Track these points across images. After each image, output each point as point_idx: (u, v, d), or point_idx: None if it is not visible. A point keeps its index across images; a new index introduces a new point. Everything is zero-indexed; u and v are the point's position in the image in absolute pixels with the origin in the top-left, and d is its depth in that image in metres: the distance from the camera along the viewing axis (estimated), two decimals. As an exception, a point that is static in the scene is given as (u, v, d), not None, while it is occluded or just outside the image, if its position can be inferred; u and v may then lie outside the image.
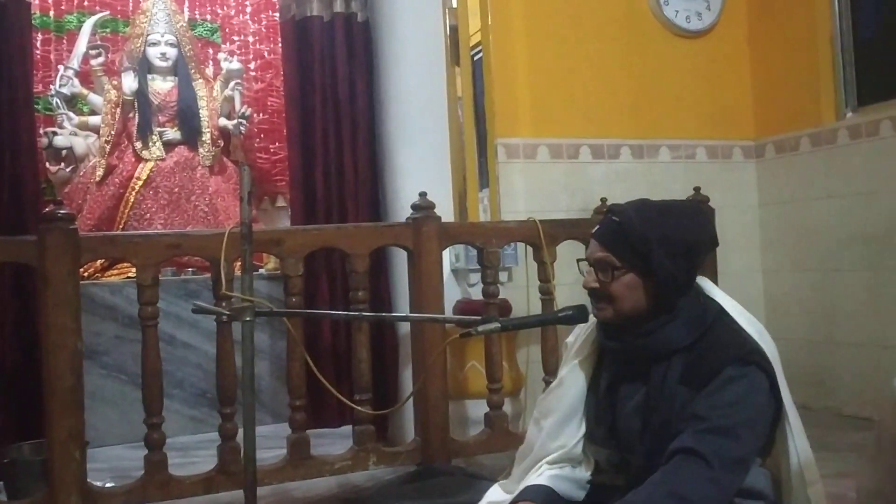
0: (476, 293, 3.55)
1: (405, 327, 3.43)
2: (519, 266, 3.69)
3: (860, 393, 3.66)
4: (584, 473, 1.76)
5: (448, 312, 3.57)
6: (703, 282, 1.71)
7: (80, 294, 2.41)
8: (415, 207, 2.87)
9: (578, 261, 1.72)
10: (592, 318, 1.79)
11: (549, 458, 1.77)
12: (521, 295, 3.69)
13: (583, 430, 1.76)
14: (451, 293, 3.68)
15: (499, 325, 1.69)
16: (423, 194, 2.89)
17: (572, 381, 1.78)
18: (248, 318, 1.99)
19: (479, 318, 1.78)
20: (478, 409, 3.22)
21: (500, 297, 3.64)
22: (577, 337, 1.84)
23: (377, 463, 2.75)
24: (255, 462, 2.02)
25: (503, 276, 3.79)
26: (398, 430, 3.47)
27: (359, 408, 2.66)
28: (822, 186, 3.92)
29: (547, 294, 3.01)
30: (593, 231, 1.67)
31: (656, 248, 1.57)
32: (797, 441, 1.60)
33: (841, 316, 3.81)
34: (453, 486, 2.47)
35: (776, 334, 1.69)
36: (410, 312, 2.93)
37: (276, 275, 4.14)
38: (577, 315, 1.74)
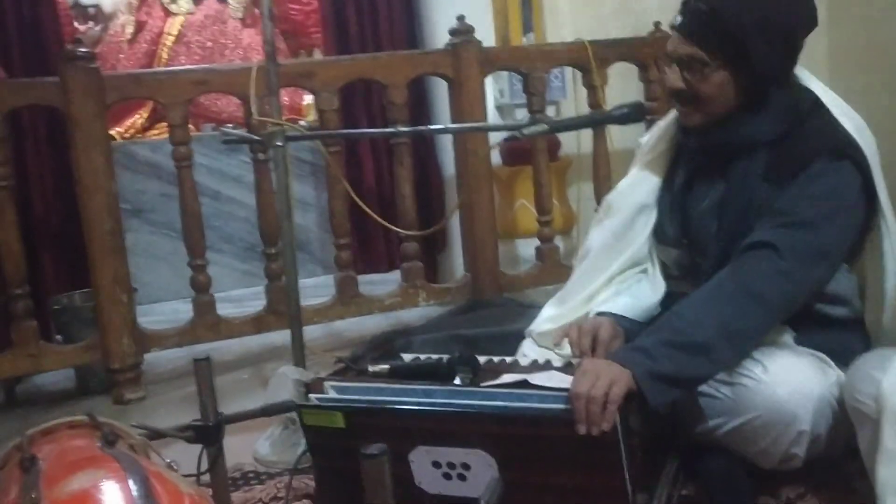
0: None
1: (450, 168, 3.30)
2: (567, 99, 3.49)
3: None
4: (654, 288, 1.63)
5: (493, 152, 3.43)
6: (799, 71, 1.51)
7: (108, 135, 2.33)
8: (453, 32, 2.67)
9: (656, 61, 1.52)
10: (671, 113, 1.62)
11: (616, 266, 1.65)
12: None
13: (651, 227, 1.63)
14: (499, 132, 3.52)
15: (546, 126, 1.55)
16: (461, 18, 2.68)
17: (644, 177, 1.64)
18: (278, 143, 1.89)
19: (524, 122, 1.63)
20: (528, 248, 3.12)
21: (548, 133, 3.51)
22: (651, 134, 1.68)
23: (427, 299, 2.70)
24: (297, 291, 1.97)
25: (551, 111, 3.60)
26: (448, 272, 3.41)
27: (404, 232, 2.55)
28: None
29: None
30: (674, 23, 1.46)
31: (755, 35, 1.37)
32: (890, 242, 1.45)
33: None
34: (505, 315, 2.41)
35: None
36: (454, 148, 2.79)
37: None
38: (632, 113, 1.58)
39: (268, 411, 1.39)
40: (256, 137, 1.96)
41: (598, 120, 1.67)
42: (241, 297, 3.66)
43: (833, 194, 1.39)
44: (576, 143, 3.27)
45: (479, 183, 2.70)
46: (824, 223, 1.37)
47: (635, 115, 1.58)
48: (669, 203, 1.61)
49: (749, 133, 1.46)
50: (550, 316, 1.73)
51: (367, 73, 2.60)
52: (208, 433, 1.34)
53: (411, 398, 1.43)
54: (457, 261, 3.08)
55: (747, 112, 1.45)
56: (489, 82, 3.44)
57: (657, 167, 1.63)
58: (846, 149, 1.41)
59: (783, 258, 1.35)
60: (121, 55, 4.40)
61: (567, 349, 1.55)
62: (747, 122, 1.45)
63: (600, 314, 1.57)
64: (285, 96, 4.20)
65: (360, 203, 2.29)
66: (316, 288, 3.37)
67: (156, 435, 1.28)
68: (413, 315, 2.85)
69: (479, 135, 2.68)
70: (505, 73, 3.44)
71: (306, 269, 3.94)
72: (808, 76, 1.53)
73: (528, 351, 1.70)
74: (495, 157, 3.53)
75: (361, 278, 3.47)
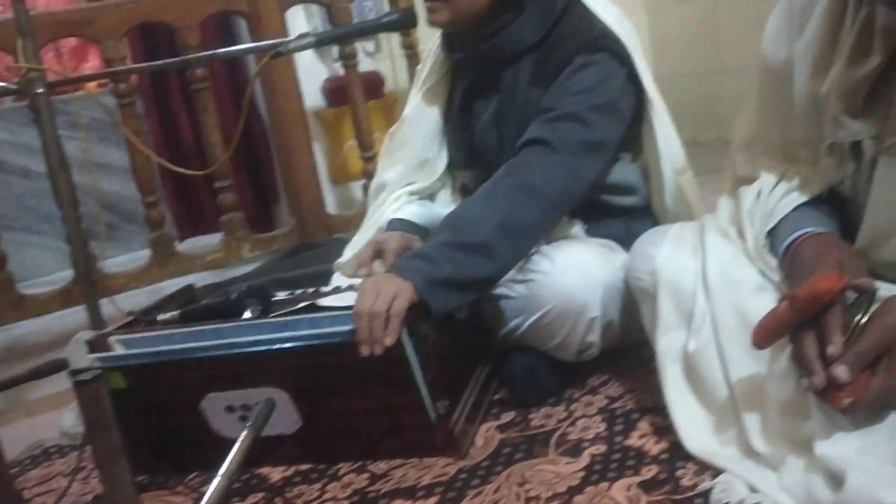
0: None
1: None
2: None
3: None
4: (446, 208, 1.62)
5: (314, 93, 3.32)
6: None
7: None
8: (245, -34, 2.53)
9: None
10: (438, 39, 1.58)
11: (411, 188, 1.63)
12: (396, 64, 3.45)
13: (444, 156, 1.63)
14: (317, 72, 3.41)
15: (313, 38, 1.46)
16: (251, -50, 2.53)
17: (425, 106, 1.62)
18: (39, 90, 1.72)
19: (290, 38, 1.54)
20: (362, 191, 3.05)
21: (370, 69, 3.42)
22: (424, 62, 1.66)
23: (252, 250, 2.57)
24: (87, 252, 1.82)
25: (369, 46, 3.52)
26: (284, 222, 3.30)
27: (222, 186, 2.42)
28: None
29: (410, 49, 2.76)
30: None
31: None
32: (664, 129, 1.48)
33: (728, 40, 3.68)
34: (331, 254, 2.31)
35: (662, 72, 1.51)
36: (262, 89, 2.66)
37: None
38: (402, 19, 1.53)
39: (37, 374, 1.27)
40: (13, 87, 1.78)
41: (366, 28, 1.60)
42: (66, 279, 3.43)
43: (597, 86, 1.39)
44: (400, 79, 3.22)
45: (292, 123, 2.59)
46: (592, 114, 1.37)
47: (406, 21, 1.52)
48: (453, 126, 1.59)
49: (510, 39, 1.44)
50: (352, 244, 1.69)
51: (155, 16, 2.42)
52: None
53: (199, 340, 1.34)
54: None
55: (503, 17, 1.43)
56: (303, 20, 3.31)
57: (436, 92, 1.62)
58: (602, 40, 1.40)
59: (556, 151, 1.34)
60: None
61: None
62: (507, 30, 1.44)
63: (391, 224, 1.55)
64: (92, 60, 3.92)
65: (151, 154, 2.14)
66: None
67: None
68: (242, 270, 2.72)
69: (286, 74, 2.57)
70: (318, 11, 3.31)
71: (138, 240, 3.72)
72: None
73: (337, 282, 1.65)
74: (319, 100, 3.43)
75: (192, 241, 3.32)
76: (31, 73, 1.70)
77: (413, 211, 1.60)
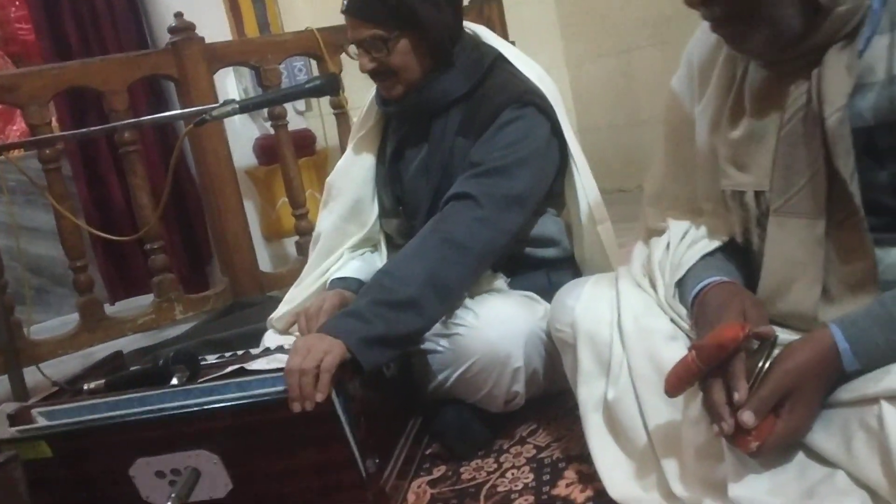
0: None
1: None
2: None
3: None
4: (384, 259, 1.66)
5: (246, 151, 3.34)
6: (479, 29, 1.61)
7: None
8: (172, 30, 2.55)
9: (344, 47, 1.54)
10: (373, 88, 1.63)
11: (349, 244, 1.66)
12: (326, 121, 3.49)
13: (376, 206, 1.66)
14: (249, 131, 3.44)
15: (237, 105, 1.49)
16: (178, 14, 2.56)
17: (358, 155, 1.66)
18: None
19: (215, 105, 1.56)
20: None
21: (300, 127, 3.46)
22: (360, 113, 1.70)
23: (185, 311, 2.56)
24: (8, 320, 1.79)
25: (300, 105, 3.57)
26: (215, 281, 3.28)
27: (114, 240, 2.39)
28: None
29: (339, 108, 2.81)
30: (344, 8, 1.48)
31: (419, 2, 1.42)
32: (584, 181, 1.54)
33: (643, 94, 3.83)
34: (264, 312, 2.31)
35: (584, 124, 1.59)
36: (192, 150, 2.67)
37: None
38: (325, 85, 1.57)
39: (-46, 451, 1.24)
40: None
41: (290, 94, 1.63)
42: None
43: (522, 140, 1.45)
44: (330, 136, 3.25)
45: (222, 183, 2.60)
46: (516, 168, 1.43)
47: (328, 86, 1.57)
48: (384, 175, 1.63)
49: (440, 90, 1.50)
50: (287, 299, 1.71)
51: (81, 80, 2.42)
52: None
53: (125, 409, 1.33)
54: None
55: (436, 72, 1.49)
56: (233, 82, 3.35)
57: (369, 143, 1.66)
58: (528, 95, 1.47)
59: (480, 206, 1.39)
60: None
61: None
62: (437, 82, 1.50)
63: (331, 284, 1.59)
64: (19, 123, 3.87)
65: (78, 221, 2.12)
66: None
67: None
68: (175, 332, 2.69)
69: (215, 134, 2.59)
70: (248, 72, 3.35)
71: (69, 303, 3.64)
72: (489, 33, 1.60)
73: (269, 341, 1.65)
74: (252, 159, 3.45)
75: (123, 302, 3.27)
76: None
77: (354, 267, 1.64)
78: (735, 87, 1.10)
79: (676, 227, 1.25)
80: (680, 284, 1.19)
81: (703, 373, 1.00)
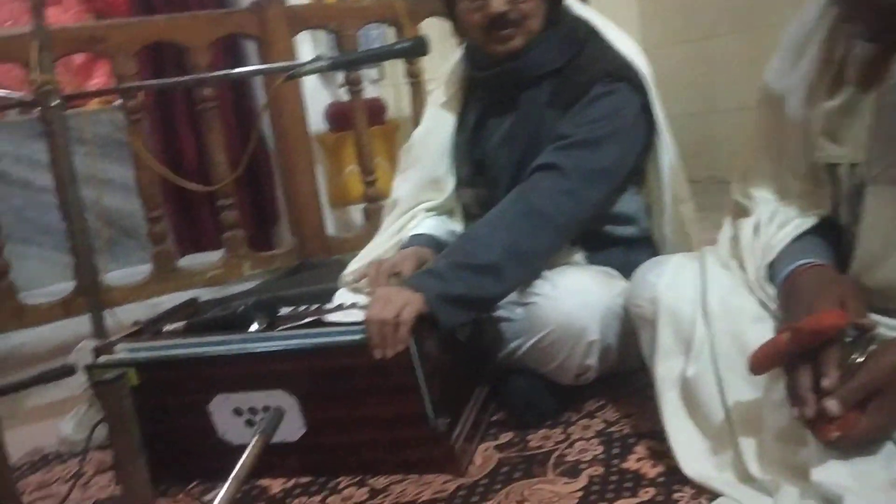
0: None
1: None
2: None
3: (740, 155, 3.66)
4: (459, 224, 1.66)
5: (317, 118, 3.37)
6: (572, 2, 1.57)
7: None
8: (257, -9, 2.58)
9: None
10: (456, 55, 1.63)
11: (426, 206, 1.66)
12: (399, 91, 3.50)
13: (454, 174, 1.65)
14: (321, 98, 3.46)
15: (327, 61, 1.51)
16: (264, -25, 2.59)
17: (438, 122, 1.65)
18: (54, 103, 1.75)
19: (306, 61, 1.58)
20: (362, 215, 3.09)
21: (372, 96, 3.47)
22: (439, 80, 1.70)
23: (252, 268, 2.61)
24: (94, 264, 1.85)
25: (374, 73, 3.58)
26: (283, 243, 3.33)
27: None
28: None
29: (414, 77, 2.82)
30: None
31: None
32: (670, 160, 1.52)
33: (721, 82, 3.76)
34: (331, 274, 2.35)
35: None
36: (270, 112, 2.70)
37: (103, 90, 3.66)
38: (415, 46, 1.57)
39: (43, 378, 1.28)
40: (27, 99, 1.81)
41: (380, 55, 1.64)
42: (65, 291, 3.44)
43: (613, 115, 1.43)
44: (401, 106, 3.26)
45: (297, 145, 2.63)
46: (605, 143, 1.42)
47: (418, 48, 1.57)
48: (464, 143, 1.62)
49: (534, 62, 1.49)
50: (361, 255, 1.72)
51: (166, 35, 2.47)
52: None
53: (205, 349, 1.37)
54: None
55: (543, 35, 1.49)
56: (309, 46, 3.37)
57: (449, 110, 1.65)
58: (622, 71, 1.46)
59: (566, 178, 1.39)
60: None
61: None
62: (532, 51, 1.49)
63: (410, 240, 1.60)
64: (97, 77, 3.96)
65: (161, 169, 2.17)
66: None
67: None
68: (241, 287, 2.74)
69: (292, 97, 2.62)
70: (325, 37, 3.38)
71: (136, 256, 3.74)
72: (582, 6, 1.58)
73: (342, 298, 1.67)
74: (322, 125, 3.49)
75: (191, 257, 3.35)
76: (45, 86, 1.73)
77: (430, 224, 1.64)
78: (837, 60, 1.07)
79: (765, 207, 1.23)
80: (770, 267, 1.18)
81: (792, 355, 0.99)
